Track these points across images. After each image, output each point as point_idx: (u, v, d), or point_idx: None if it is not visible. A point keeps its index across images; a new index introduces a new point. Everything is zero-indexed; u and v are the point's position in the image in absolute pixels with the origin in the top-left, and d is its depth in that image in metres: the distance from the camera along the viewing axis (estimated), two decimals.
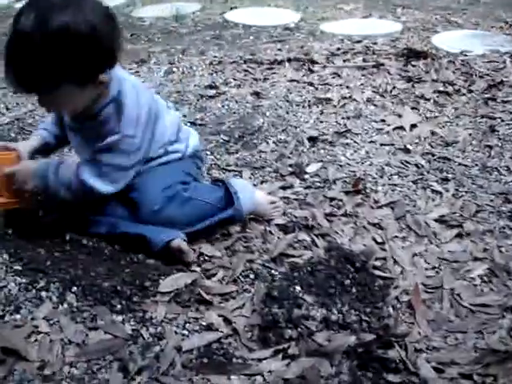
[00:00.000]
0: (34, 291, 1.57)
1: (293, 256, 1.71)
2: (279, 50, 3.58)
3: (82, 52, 1.48)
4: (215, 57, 3.44)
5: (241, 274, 1.64)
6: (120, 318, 1.49)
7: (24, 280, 1.61)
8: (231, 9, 4.62)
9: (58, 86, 1.53)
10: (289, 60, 3.32)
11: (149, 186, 1.72)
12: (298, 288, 1.56)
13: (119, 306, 1.52)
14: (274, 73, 3.18)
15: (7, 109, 2.78)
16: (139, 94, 1.66)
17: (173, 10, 4.42)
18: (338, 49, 3.57)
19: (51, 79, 1.51)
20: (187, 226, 1.72)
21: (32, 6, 1.47)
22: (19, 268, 1.66)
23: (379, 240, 1.82)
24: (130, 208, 1.74)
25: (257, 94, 2.91)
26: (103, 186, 1.68)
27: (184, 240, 1.68)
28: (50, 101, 1.63)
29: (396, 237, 1.85)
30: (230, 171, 2.21)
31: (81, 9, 1.47)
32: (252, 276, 1.64)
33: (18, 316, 1.50)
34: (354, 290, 1.57)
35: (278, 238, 1.80)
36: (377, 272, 1.67)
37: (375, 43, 3.70)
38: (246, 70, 3.21)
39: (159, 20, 4.41)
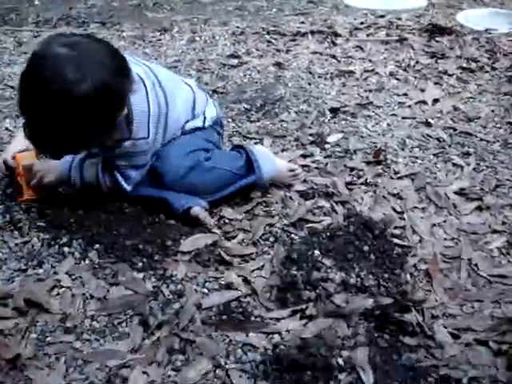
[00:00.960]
0: (56, 247, 1.61)
1: (312, 221, 1.72)
2: (302, 22, 3.56)
3: (105, 109, 1.40)
4: (238, 27, 3.43)
5: (260, 237, 1.66)
6: (141, 275, 1.51)
7: (47, 236, 1.65)
8: None
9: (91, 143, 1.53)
10: (312, 32, 3.30)
11: (171, 156, 1.72)
12: (316, 252, 1.57)
13: (140, 264, 1.55)
14: (297, 44, 3.16)
15: None
16: (149, 92, 1.61)
17: None
18: (362, 23, 3.54)
19: (83, 142, 1.48)
20: (209, 194, 1.74)
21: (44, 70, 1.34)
22: (42, 224, 1.69)
23: (398, 209, 1.82)
24: (153, 176, 1.75)
25: (279, 65, 2.90)
26: (126, 186, 1.70)
27: (205, 208, 1.71)
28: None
29: (415, 207, 1.85)
30: (251, 139, 2.21)
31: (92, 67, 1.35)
32: (271, 239, 1.65)
33: (41, 270, 1.54)
34: (372, 256, 1.58)
35: (298, 203, 1.81)
36: (395, 240, 1.67)
37: (399, 18, 3.66)
38: (268, 41, 3.19)
39: None
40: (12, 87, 2.67)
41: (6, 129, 2.31)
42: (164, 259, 1.56)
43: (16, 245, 1.62)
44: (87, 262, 1.56)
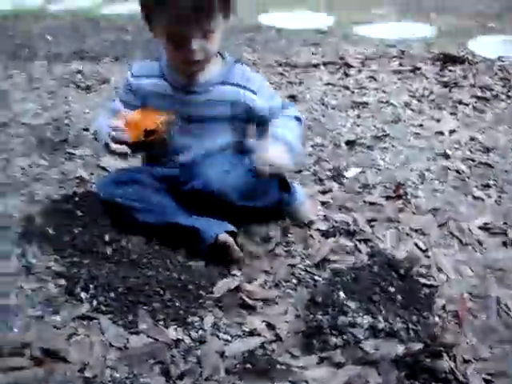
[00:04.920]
0: (73, 292, 1.57)
1: (335, 261, 1.68)
2: (313, 53, 3.56)
3: None
4: (249, 59, 3.42)
5: (282, 279, 1.61)
6: (162, 321, 1.47)
7: (63, 281, 1.61)
8: (263, 12, 4.60)
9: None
10: (324, 64, 3.29)
11: (210, 172, 1.66)
12: (341, 294, 1.52)
13: (161, 310, 1.50)
14: (310, 76, 3.15)
15: (44, 109, 2.80)
16: None
17: None
18: (373, 53, 3.54)
19: None
20: (247, 201, 1.68)
21: None
22: (58, 269, 1.65)
23: (422, 247, 1.78)
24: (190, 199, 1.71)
25: (293, 97, 2.88)
26: None
27: (233, 233, 1.68)
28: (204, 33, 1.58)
29: (439, 244, 1.81)
30: None
31: None
32: (294, 281, 1.61)
33: (58, 317, 1.50)
34: (399, 297, 1.53)
35: (319, 242, 1.77)
36: (421, 279, 1.62)
37: (410, 47, 3.66)
38: (281, 73, 3.19)
39: None
40: (25, 124, 2.65)
41: (21, 167, 2.29)
42: (185, 305, 1.52)
43: (32, 290, 1.59)
44: (106, 308, 1.51)
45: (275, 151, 1.59)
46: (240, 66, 1.77)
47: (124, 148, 1.65)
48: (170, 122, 1.68)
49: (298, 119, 1.78)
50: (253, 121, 1.77)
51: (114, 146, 1.64)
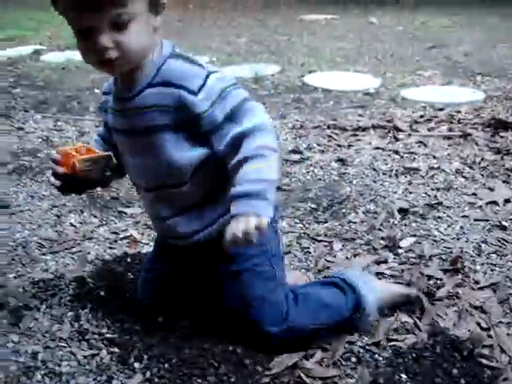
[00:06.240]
0: (126, 361, 1.54)
1: (396, 340, 1.61)
2: (360, 115, 3.56)
3: None
4: (297, 120, 3.43)
5: (341, 357, 1.56)
6: None
7: (116, 349, 1.58)
8: (309, 72, 4.64)
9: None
10: (373, 127, 3.28)
11: (264, 305, 1.51)
12: (403, 376, 1.46)
13: None
14: (358, 139, 3.14)
15: None
16: None
17: (252, 71, 4.47)
18: (421, 116, 3.52)
19: None
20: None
21: None
22: (111, 336, 1.63)
23: (484, 325, 1.71)
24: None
25: (341, 161, 2.86)
26: None
27: None
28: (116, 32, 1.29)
29: (501, 322, 1.73)
30: (319, 241, 2.14)
31: None
32: (353, 359, 1.55)
33: None
34: (462, 381, 1.46)
35: (378, 320, 1.71)
36: (484, 361, 1.55)
37: (459, 111, 3.63)
38: (329, 136, 3.18)
39: (239, 81, 4.45)
40: None
41: (72, 224, 2.30)
42: (241, 380, 1.47)
43: (84, 357, 1.56)
44: (159, 380, 1.47)
45: (240, 225, 1.26)
46: (175, 61, 1.39)
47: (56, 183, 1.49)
48: (97, 161, 1.45)
49: (273, 149, 1.33)
50: (209, 137, 1.38)
51: (51, 179, 1.50)
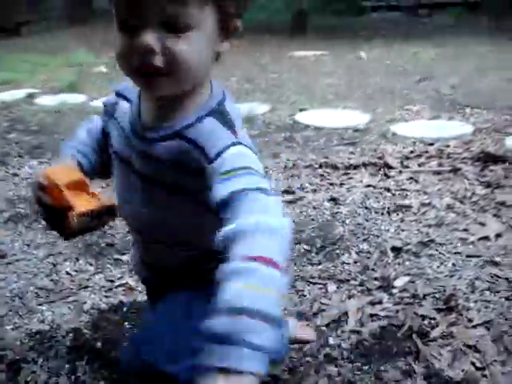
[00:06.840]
0: None
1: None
2: (352, 152, 3.60)
3: None
4: (288, 160, 3.47)
5: None
6: None
7: None
8: (300, 110, 4.70)
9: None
10: (364, 164, 3.32)
11: None
12: None
13: None
14: (350, 178, 3.17)
15: None
16: None
17: (244, 111, 4.52)
18: (412, 152, 3.57)
19: None
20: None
21: None
22: None
23: (478, 365, 1.72)
24: None
25: (334, 200, 2.89)
26: None
27: None
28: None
29: (495, 360, 1.75)
30: (314, 283, 2.16)
31: None
32: None
33: None
34: None
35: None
36: None
37: (448, 146, 3.67)
38: (321, 175, 3.21)
39: None
40: None
41: (67, 273, 2.31)
42: None
43: None
44: None
45: None
46: (212, 120, 1.14)
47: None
48: (98, 215, 1.20)
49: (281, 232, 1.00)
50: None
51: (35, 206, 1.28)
